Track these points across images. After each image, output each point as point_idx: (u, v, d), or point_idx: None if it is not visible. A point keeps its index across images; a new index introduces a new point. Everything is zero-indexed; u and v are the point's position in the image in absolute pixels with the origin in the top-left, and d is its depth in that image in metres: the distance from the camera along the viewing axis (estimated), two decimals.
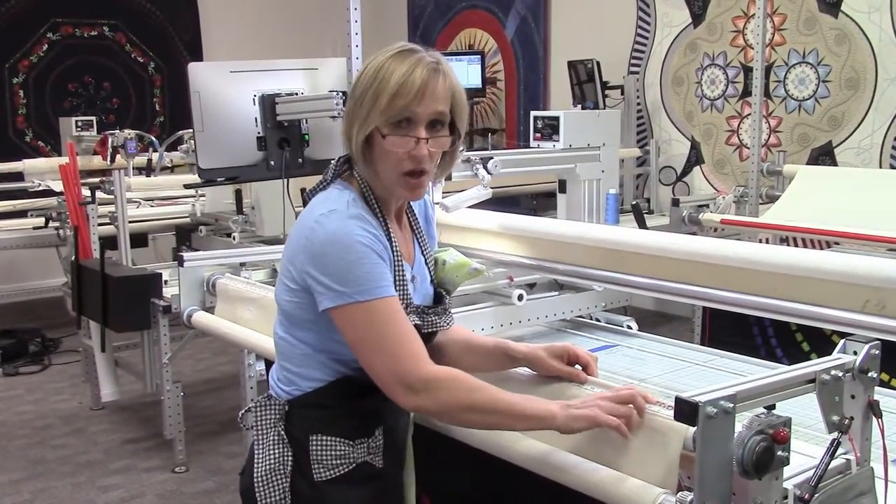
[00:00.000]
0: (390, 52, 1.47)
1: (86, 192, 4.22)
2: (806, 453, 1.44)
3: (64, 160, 4.58)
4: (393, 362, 1.41)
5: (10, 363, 5.35)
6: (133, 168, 5.45)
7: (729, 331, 3.31)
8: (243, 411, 1.62)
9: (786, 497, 1.26)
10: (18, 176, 5.62)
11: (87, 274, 3.95)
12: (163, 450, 3.94)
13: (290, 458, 1.52)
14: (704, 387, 1.23)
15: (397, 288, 1.49)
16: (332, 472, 1.51)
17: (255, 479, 1.52)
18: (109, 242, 4.20)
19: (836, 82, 5.11)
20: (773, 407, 1.26)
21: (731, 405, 1.20)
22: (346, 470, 1.52)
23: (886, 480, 1.39)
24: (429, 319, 1.60)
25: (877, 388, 1.40)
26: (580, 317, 2.76)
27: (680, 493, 1.26)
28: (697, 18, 5.83)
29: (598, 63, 6.02)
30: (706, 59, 5.81)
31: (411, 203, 1.65)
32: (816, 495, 1.26)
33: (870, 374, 1.37)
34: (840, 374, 1.34)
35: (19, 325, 5.76)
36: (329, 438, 1.51)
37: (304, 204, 3.56)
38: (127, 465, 3.88)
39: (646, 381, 2.16)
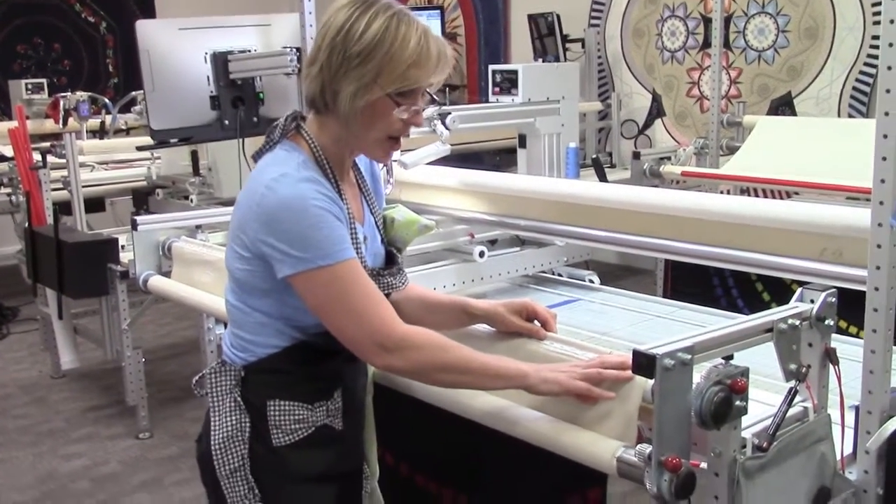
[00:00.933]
0: (385, 11, 1.42)
1: (37, 156, 4.11)
2: (765, 402, 1.44)
3: (14, 124, 4.46)
4: (365, 323, 1.39)
5: None
6: (87, 131, 5.34)
7: (690, 282, 3.32)
8: (197, 377, 1.59)
9: (744, 446, 1.27)
10: None
11: (41, 240, 3.86)
12: (126, 416, 3.90)
13: (247, 424, 1.49)
14: (663, 339, 1.23)
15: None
16: (291, 436, 1.49)
17: (213, 447, 1.50)
18: (64, 208, 4.11)
19: (795, 32, 5.11)
20: (730, 357, 1.26)
21: (689, 356, 1.19)
22: (306, 434, 1.50)
23: (843, 426, 1.40)
24: (384, 281, 1.57)
25: (834, 336, 1.41)
26: (542, 272, 2.76)
27: (639, 445, 1.26)
28: None
29: (558, 16, 5.96)
30: (666, 11, 5.77)
31: (356, 160, 1.61)
32: (774, 443, 1.27)
33: (826, 322, 1.37)
34: (797, 322, 1.35)
35: None
36: (287, 403, 1.48)
37: None
38: (89, 433, 3.83)
39: (608, 335, 2.16)
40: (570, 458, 1.37)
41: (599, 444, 1.33)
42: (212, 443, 1.50)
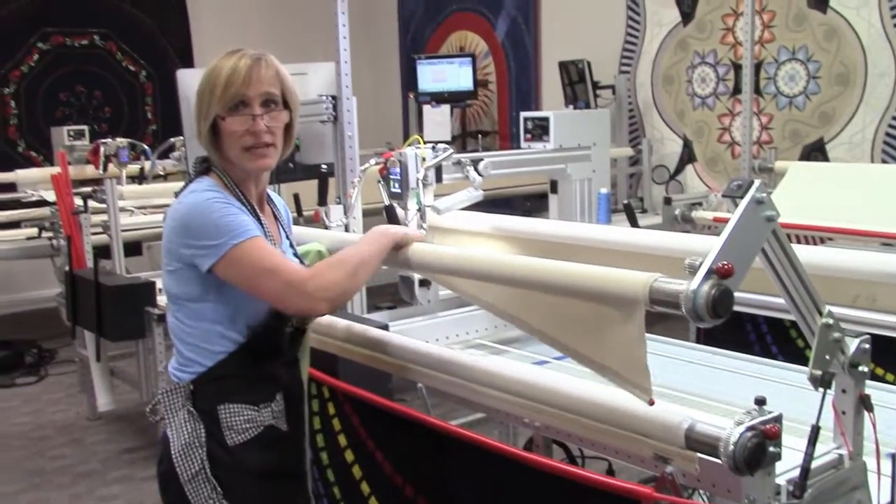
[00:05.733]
0: (221, 55, 1.68)
1: (78, 201, 4.21)
2: (801, 449, 1.44)
3: (56, 170, 4.58)
4: (281, 276, 1.58)
5: (7, 374, 5.34)
6: (126, 176, 5.47)
7: (723, 328, 3.29)
8: (151, 405, 1.75)
9: (778, 493, 1.26)
10: (11, 186, 5.62)
11: (81, 283, 3.94)
12: None
13: (202, 430, 1.63)
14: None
15: None
16: (243, 436, 1.65)
17: (173, 456, 1.62)
18: (103, 251, 4.20)
19: (827, 78, 5.12)
20: (763, 402, 1.26)
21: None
22: (256, 433, 1.66)
23: (879, 474, 1.39)
24: None
25: (868, 382, 1.41)
26: None
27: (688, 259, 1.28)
28: (687, 17, 5.84)
29: (588, 63, 6.02)
30: (696, 58, 5.82)
31: (276, 204, 1.86)
32: (809, 490, 1.26)
33: (860, 369, 1.37)
34: (839, 334, 1.35)
35: (15, 336, 5.75)
36: (236, 406, 1.65)
37: (297, 209, 3.55)
38: (125, 475, 3.87)
39: None
40: (604, 292, 1.39)
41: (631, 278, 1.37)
42: (172, 453, 1.62)
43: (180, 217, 1.62)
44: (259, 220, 1.70)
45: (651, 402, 1.35)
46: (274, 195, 1.88)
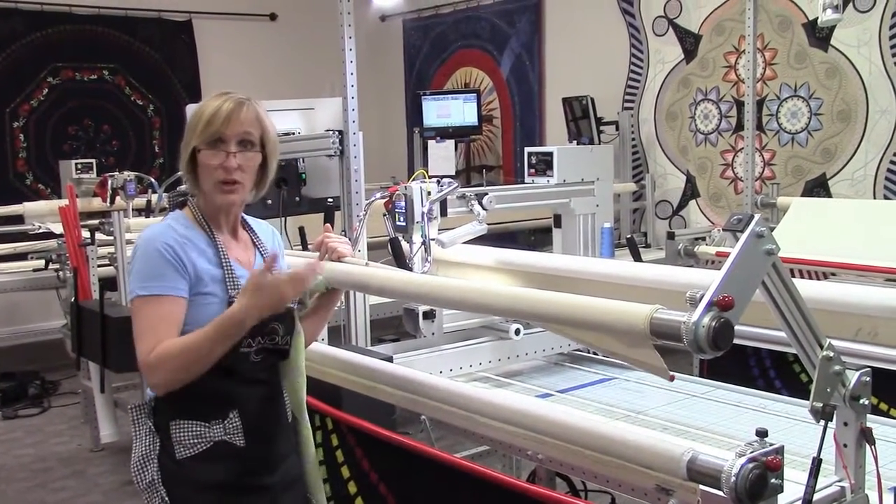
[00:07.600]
0: (211, 95, 1.80)
1: (85, 233, 4.24)
2: (802, 482, 1.44)
3: (64, 202, 4.62)
4: (139, 350, 1.68)
5: (10, 406, 5.34)
6: (132, 209, 5.50)
7: (727, 362, 3.30)
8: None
9: None
10: (19, 219, 5.66)
11: (87, 315, 3.96)
12: None
13: (157, 444, 1.76)
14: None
15: (227, 280, 1.75)
16: (190, 450, 1.74)
17: (132, 467, 1.75)
18: (109, 283, 4.22)
19: (828, 115, 5.16)
20: (765, 434, 1.27)
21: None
22: (205, 448, 1.74)
23: None
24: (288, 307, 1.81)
25: (869, 416, 1.41)
26: (577, 350, 2.77)
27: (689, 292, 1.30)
28: (689, 54, 5.90)
29: (592, 99, 6.08)
30: (699, 94, 5.87)
31: (256, 231, 1.92)
32: None
33: (861, 401, 1.38)
34: (840, 367, 1.36)
35: (19, 368, 5.75)
36: (186, 422, 1.74)
37: (303, 241, 3.56)
38: None
39: (644, 414, 2.17)
40: (606, 323, 1.41)
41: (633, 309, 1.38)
42: (131, 464, 1.76)
43: (135, 246, 1.76)
44: (219, 251, 1.78)
45: (671, 378, 1.41)
46: (258, 223, 1.96)
